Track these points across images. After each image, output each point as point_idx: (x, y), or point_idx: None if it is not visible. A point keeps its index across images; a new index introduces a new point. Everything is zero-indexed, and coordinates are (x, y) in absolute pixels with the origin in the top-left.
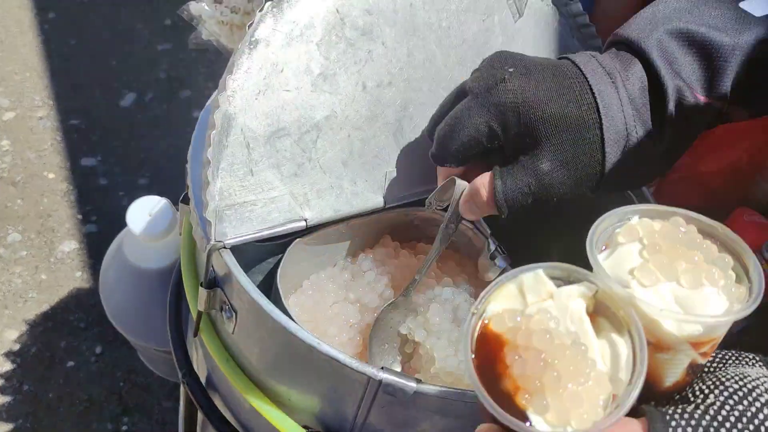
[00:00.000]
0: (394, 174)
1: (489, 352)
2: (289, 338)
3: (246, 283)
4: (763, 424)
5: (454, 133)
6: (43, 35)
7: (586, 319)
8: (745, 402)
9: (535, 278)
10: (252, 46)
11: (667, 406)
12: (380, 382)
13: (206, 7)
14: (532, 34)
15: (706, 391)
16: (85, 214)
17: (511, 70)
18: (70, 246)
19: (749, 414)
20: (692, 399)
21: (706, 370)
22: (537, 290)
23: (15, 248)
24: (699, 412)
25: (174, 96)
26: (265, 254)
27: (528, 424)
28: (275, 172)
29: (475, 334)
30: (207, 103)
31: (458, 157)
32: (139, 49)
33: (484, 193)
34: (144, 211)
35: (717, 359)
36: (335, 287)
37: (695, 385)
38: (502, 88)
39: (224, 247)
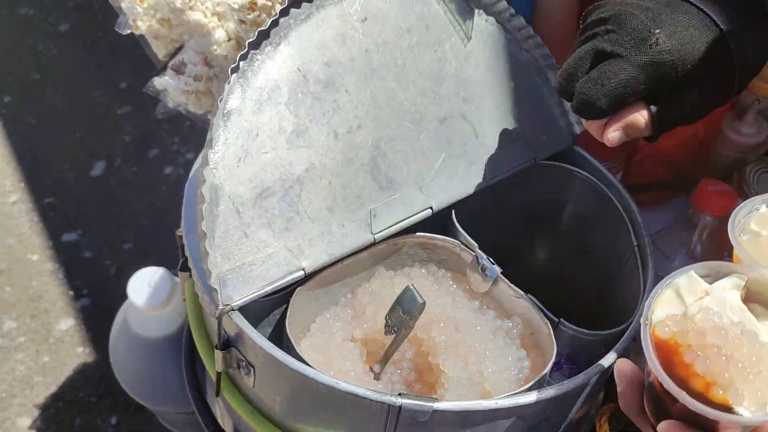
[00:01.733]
0: (378, 209)
1: (664, 358)
2: (308, 383)
3: (258, 338)
4: None
5: (604, 88)
6: (1, 120)
7: (746, 308)
8: None
9: (689, 280)
10: (226, 118)
11: None
12: (400, 407)
13: (169, 80)
14: (483, 54)
15: None
16: (76, 290)
17: (657, 31)
18: (66, 324)
19: None
20: None
21: None
22: (693, 290)
23: (12, 336)
24: None
25: (143, 156)
26: (271, 307)
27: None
28: (267, 230)
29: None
30: (190, 175)
31: (607, 110)
32: (100, 117)
33: (643, 120)
34: (144, 283)
35: None
36: (341, 325)
37: None
38: (657, 50)
39: (233, 310)
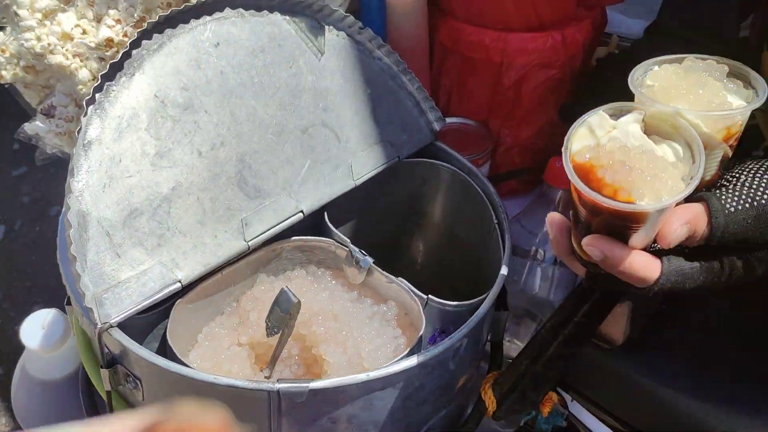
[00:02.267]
0: (249, 217)
1: (582, 177)
2: (190, 383)
3: (139, 349)
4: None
5: None
6: None
7: (645, 136)
8: (752, 169)
9: (599, 118)
10: (87, 148)
11: (713, 190)
12: (278, 392)
13: (40, 124)
14: (338, 66)
15: (737, 176)
16: None
17: None
18: None
19: (756, 170)
20: (728, 184)
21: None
22: (602, 126)
23: None
24: (738, 186)
25: (43, 216)
26: (155, 321)
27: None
28: (140, 248)
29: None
30: (63, 210)
31: None
32: None
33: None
34: (36, 326)
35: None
36: (227, 332)
37: (726, 176)
38: None
39: (111, 326)
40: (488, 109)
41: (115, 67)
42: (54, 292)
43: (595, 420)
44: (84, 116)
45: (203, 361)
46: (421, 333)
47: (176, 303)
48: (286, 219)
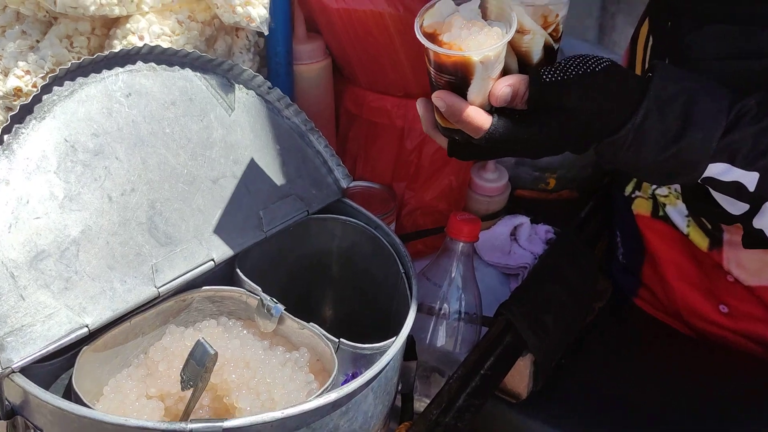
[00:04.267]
0: (159, 264)
1: (429, 40)
2: (99, 426)
3: (43, 393)
4: (589, 61)
5: None
6: None
7: (479, 15)
8: (581, 58)
9: (445, 3)
10: None
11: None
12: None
13: None
14: (248, 121)
15: (559, 63)
16: None
17: None
18: None
19: (584, 59)
20: (550, 65)
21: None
22: (447, 9)
23: None
24: (555, 67)
25: None
26: (58, 370)
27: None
28: (45, 291)
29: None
30: None
31: None
32: None
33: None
34: None
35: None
36: (134, 383)
37: (552, 63)
38: None
39: (13, 371)
40: (392, 173)
41: (24, 110)
42: None
43: None
44: None
45: (110, 414)
46: (334, 374)
47: (83, 349)
48: (198, 266)
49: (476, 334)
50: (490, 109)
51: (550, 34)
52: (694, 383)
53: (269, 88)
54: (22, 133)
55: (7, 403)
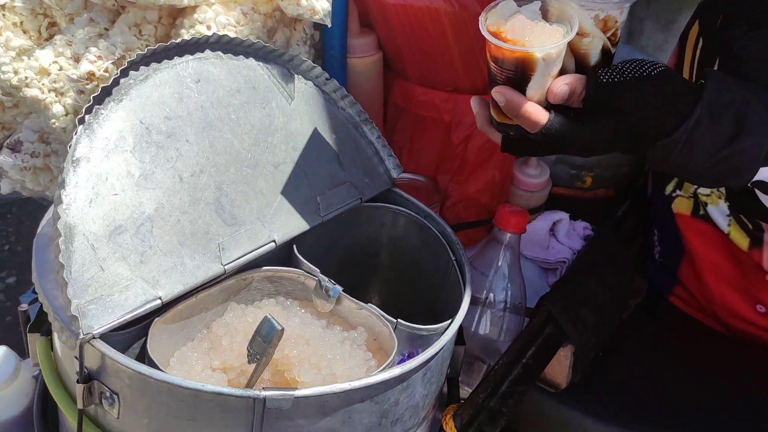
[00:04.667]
0: (225, 242)
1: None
2: (175, 392)
3: (123, 359)
4: (644, 65)
5: None
6: None
7: (540, 16)
8: (638, 62)
9: (507, 5)
10: (75, 164)
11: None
12: (264, 399)
13: (5, 159)
14: (306, 111)
15: (615, 65)
16: None
17: None
18: None
19: (639, 63)
20: (606, 68)
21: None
22: (509, 9)
23: None
24: (612, 69)
25: None
26: (128, 341)
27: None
28: (123, 263)
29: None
30: (38, 231)
31: None
32: None
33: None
34: None
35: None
36: (199, 355)
37: (608, 66)
38: None
39: (94, 337)
40: (437, 166)
41: (104, 93)
42: None
43: None
44: (74, 135)
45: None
46: (395, 350)
47: (154, 321)
48: (260, 247)
49: (520, 324)
50: (547, 106)
51: (608, 38)
52: (728, 380)
53: (326, 79)
54: (102, 114)
55: (85, 366)
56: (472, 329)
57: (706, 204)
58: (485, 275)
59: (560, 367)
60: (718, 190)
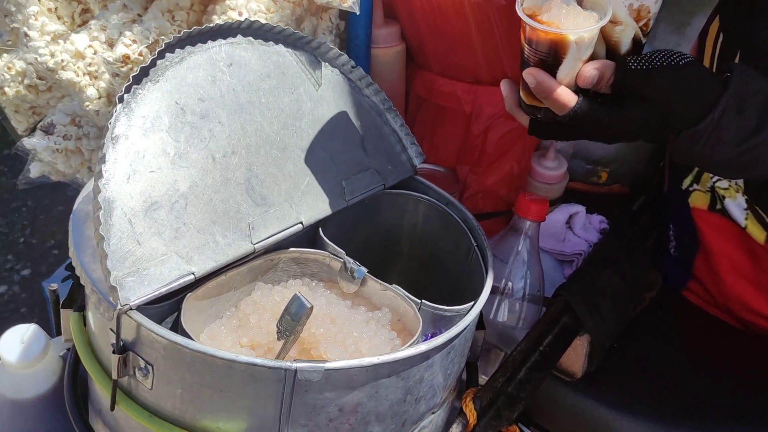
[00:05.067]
0: (255, 222)
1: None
2: (209, 362)
3: (159, 329)
4: (673, 55)
5: None
6: None
7: (575, 2)
8: (666, 52)
9: None
10: (114, 141)
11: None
12: (296, 371)
13: (38, 141)
14: (332, 97)
15: (645, 53)
16: None
17: None
18: None
19: (668, 53)
20: (636, 55)
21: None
22: None
23: None
24: (641, 57)
25: None
26: (163, 315)
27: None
28: (158, 238)
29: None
30: (74, 207)
31: None
32: None
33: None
34: (15, 340)
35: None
36: (228, 331)
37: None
38: None
39: (131, 309)
40: (457, 156)
41: (142, 73)
42: None
43: None
44: (113, 113)
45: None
46: (420, 329)
47: (187, 296)
48: (288, 228)
49: (538, 313)
50: (576, 91)
51: (640, 28)
52: (741, 373)
53: (352, 67)
54: (140, 93)
55: (121, 337)
56: (491, 317)
57: (723, 197)
58: (505, 262)
59: (576, 356)
60: (736, 183)
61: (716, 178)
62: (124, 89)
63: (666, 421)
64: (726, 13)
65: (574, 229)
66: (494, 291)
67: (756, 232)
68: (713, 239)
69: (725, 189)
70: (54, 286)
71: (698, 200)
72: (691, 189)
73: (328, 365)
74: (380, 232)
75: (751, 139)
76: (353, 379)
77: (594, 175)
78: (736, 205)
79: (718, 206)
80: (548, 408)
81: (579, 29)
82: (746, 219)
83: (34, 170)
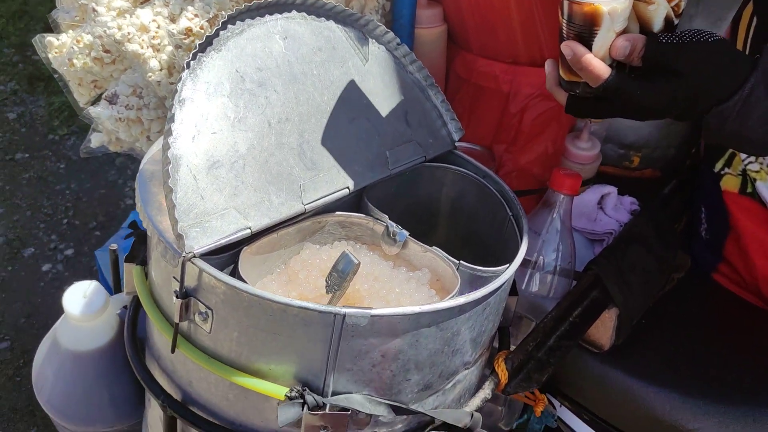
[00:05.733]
0: (306, 184)
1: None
2: (265, 305)
3: (220, 274)
4: (703, 33)
5: None
6: None
7: None
8: (697, 30)
9: None
10: (181, 103)
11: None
12: (344, 315)
13: (103, 110)
14: (378, 72)
15: (677, 32)
16: None
17: None
18: None
19: (698, 31)
20: (668, 33)
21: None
22: None
23: None
24: (672, 34)
25: (17, 256)
26: (220, 267)
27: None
28: (219, 194)
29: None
30: (140, 167)
31: None
32: None
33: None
34: (79, 295)
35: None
36: (278, 285)
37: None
38: None
39: (195, 256)
40: (494, 135)
41: (206, 42)
42: (23, 331)
43: (581, 423)
44: (180, 78)
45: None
46: (458, 285)
47: (243, 249)
48: (336, 192)
49: (569, 286)
50: (611, 64)
51: (672, 8)
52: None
53: (398, 44)
54: (204, 61)
55: (184, 283)
56: (523, 287)
57: (755, 180)
58: (538, 234)
59: (604, 329)
60: (767, 165)
61: (748, 160)
62: (191, 56)
63: (691, 393)
64: None
65: (606, 209)
66: (526, 263)
67: None
68: (743, 221)
69: (756, 172)
70: (114, 246)
71: (730, 183)
72: (722, 173)
73: (374, 311)
74: (419, 204)
75: None
76: (396, 327)
77: (626, 159)
78: (767, 187)
79: (749, 189)
80: (576, 378)
81: (612, 1)
82: None
83: (95, 140)
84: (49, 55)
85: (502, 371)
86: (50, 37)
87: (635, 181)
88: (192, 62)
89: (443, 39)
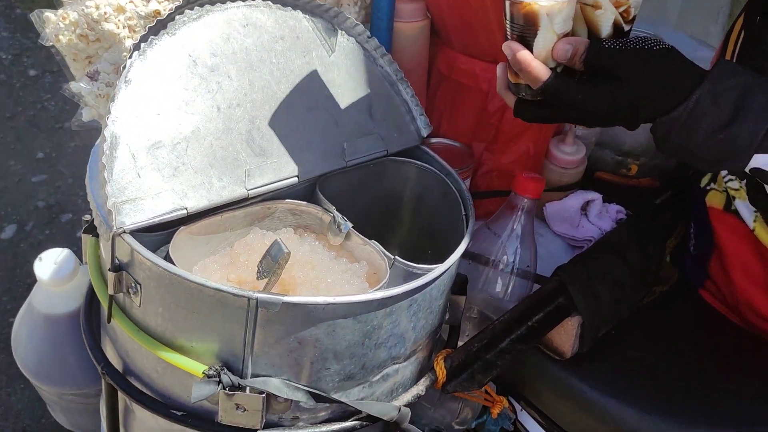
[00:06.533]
0: (251, 170)
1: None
2: (184, 284)
3: (145, 251)
4: (649, 41)
5: None
6: None
7: None
8: (644, 38)
9: None
10: (127, 84)
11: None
12: (257, 300)
13: (83, 85)
14: (344, 64)
15: (624, 38)
16: None
17: None
18: None
19: (645, 38)
20: (613, 38)
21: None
22: None
23: None
24: (618, 40)
25: (55, 221)
26: (158, 244)
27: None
28: (157, 174)
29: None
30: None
31: None
32: (13, 184)
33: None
34: (50, 262)
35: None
36: (218, 267)
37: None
38: None
39: (125, 232)
40: (473, 133)
41: (159, 25)
42: None
43: (539, 428)
44: (128, 59)
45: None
46: (384, 280)
47: (180, 229)
48: (283, 179)
49: (528, 289)
50: (556, 68)
51: (621, 14)
52: (738, 373)
53: (368, 37)
54: (156, 43)
55: (116, 259)
56: (479, 287)
57: (734, 198)
58: (498, 236)
59: (566, 336)
60: (745, 184)
61: (728, 177)
62: (140, 38)
63: (649, 408)
64: (749, 12)
65: (589, 216)
66: (485, 262)
67: (763, 234)
68: (727, 240)
69: (736, 190)
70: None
71: (714, 200)
72: (707, 188)
73: (285, 298)
74: (384, 198)
75: (723, 131)
76: (310, 315)
77: (624, 167)
78: (746, 206)
79: (732, 207)
80: (536, 384)
81: (550, 0)
82: (755, 221)
83: (86, 114)
84: (47, 30)
85: (440, 369)
86: (48, 13)
87: (633, 190)
88: (143, 44)
89: (425, 34)
